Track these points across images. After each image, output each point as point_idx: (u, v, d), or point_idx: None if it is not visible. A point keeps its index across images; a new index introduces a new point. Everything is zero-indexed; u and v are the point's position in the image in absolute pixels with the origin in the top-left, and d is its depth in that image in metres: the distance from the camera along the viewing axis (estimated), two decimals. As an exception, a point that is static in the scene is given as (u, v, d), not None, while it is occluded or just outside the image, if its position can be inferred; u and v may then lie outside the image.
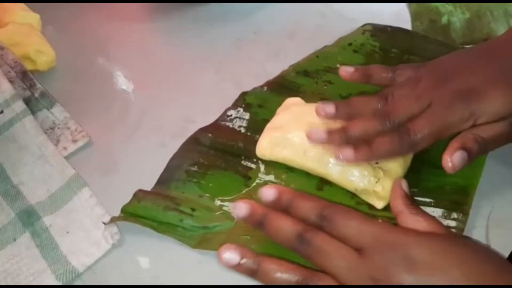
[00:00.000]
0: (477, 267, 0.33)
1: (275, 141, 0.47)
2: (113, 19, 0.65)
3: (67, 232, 0.45)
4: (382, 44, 0.57)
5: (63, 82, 0.57)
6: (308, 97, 0.51)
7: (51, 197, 0.47)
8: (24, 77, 0.54)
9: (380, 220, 0.42)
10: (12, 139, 0.50)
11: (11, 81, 0.53)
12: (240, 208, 0.38)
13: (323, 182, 0.46)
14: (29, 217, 0.46)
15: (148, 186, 0.48)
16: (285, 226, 0.36)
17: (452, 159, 0.40)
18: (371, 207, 0.44)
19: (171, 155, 0.50)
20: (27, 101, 0.52)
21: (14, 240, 0.45)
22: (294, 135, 0.46)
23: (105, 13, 0.65)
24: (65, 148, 0.50)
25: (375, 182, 0.43)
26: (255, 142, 0.48)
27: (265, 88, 0.54)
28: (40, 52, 0.56)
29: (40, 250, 0.44)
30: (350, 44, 0.58)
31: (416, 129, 0.41)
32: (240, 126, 0.51)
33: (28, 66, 0.55)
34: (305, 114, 0.48)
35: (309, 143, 0.45)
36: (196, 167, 0.48)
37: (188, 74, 0.58)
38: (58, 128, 0.52)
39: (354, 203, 0.45)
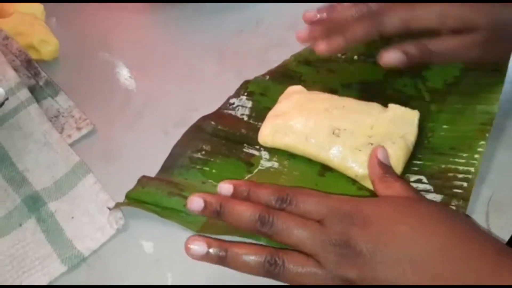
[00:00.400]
0: (427, 229, 0.34)
1: (277, 128, 0.47)
2: (115, 11, 0.66)
3: (72, 218, 0.46)
4: None
5: (66, 71, 0.58)
6: (310, 86, 0.51)
7: (56, 184, 0.48)
8: (29, 65, 0.55)
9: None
10: (17, 126, 0.51)
11: (16, 70, 0.53)
12: (195, 202, 0.38)
13: (324, 169, 0.46)
14: (34, 203, 0.46)
15: (152, 173, 0.48)
16: (244, 211, 0.37)
17: (387, 54, 0.45)
18: (373, 192, 0.45)
19: (174, 142, 0.51)
20: (31, 89, 0.53)
21: (20, 225, 0.46)
22: (296, 122, 0.47)
23: (107, 4, 0.66)
24: (69, 136, 0.51)
25: None
26: (257, 129, 0.49)
27: (267, 77, 0.55)
28: (44, 41, 0.57)
29: (45, 235, 0.45)
30: None
31: (388, 11, 0.44)
32: (242, 114, 0.52)
33: (33, 56, 0.56)
34: (307, 101, 0.48)
35: (309, 130, 0.45)
36: (199, 154, 0.49)
37: (190, 64, 0.59)
38: (63, 116, 0.53)
39: (355, 188, 0.45)
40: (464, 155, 0.45)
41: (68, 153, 0.49)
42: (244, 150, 0.49)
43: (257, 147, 0.49)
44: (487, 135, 0.46)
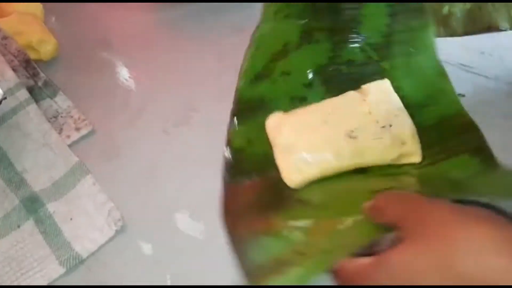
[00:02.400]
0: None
1: (297, 164, 0.44)
2: (114, 10, 0.65)
3: (71, 219, 0.46)
4: None
5: (65, 71, 0.58)
6: (271, 101, 0.47)
7: (54, 185, 0.48)
8: (28, 66, 0.54)
9: None
10: (16, 127, 0.50)
11: (14, 70, 0.53)
12: None
13: (358, 172, 0.45)
14: (33, 204, 0.46)
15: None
16: None
17: None
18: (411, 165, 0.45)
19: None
20: (30, 90, 0.52)
21: (18, 226, 0.45)
22: (309, 149, 0.44)
23: (106, 4, 0.65)
24: (68, 136, 0.51)
25: (402, 144, 0.44)
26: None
27: (236, 121, 0.46)
28: (43, 41, 0.56)
29: (44, 236, 0.45)
30: None
31: None
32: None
33: (31, 55, 0.56)
34: (300, 125, 0.46)
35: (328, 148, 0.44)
36: None
37: (190, 63, 0.58)
38: (61, 116, 0.52)
39: (395, 169, 0.45)
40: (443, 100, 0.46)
41: (67, 153, 0.49)
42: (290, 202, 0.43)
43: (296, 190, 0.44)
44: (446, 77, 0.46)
